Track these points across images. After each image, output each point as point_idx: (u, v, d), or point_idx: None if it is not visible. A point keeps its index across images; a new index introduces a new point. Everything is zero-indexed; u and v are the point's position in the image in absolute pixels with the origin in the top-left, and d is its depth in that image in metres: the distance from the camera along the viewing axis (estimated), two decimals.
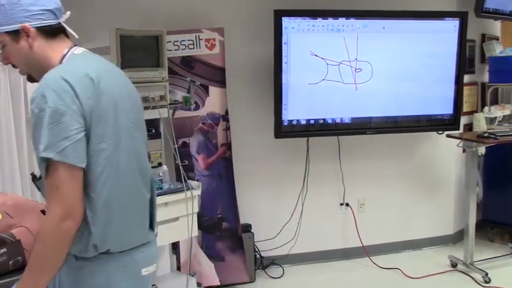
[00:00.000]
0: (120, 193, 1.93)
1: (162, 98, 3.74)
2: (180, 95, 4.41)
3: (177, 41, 4.50)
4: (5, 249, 2.43)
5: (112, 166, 1.89)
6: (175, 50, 4.48)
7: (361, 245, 5.18)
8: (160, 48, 3.79)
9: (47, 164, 1.79)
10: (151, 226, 2.16)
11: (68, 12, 2.07)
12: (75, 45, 2.05)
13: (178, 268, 4.38)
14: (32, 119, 1.82)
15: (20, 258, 2.48)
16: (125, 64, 3.56)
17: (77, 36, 2.11)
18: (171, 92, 4.00)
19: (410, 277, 4.81)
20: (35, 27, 1.94)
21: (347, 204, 5.25)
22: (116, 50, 3.55)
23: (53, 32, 1.99)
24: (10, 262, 2.45)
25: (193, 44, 4.55)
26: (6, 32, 1.94)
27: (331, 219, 5.25)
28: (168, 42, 4.04)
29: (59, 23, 2.02)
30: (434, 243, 5.55)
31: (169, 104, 3.84)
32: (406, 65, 4.86)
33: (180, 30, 4.51)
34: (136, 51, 3.71)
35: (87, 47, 3.70)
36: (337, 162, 5.09)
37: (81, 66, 1.92)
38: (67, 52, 2.00)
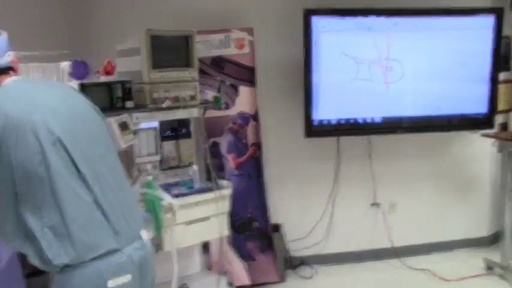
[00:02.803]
0: (59, 204, 2.01)
1: (192, 98, 3.74)
2: (210, 94, 4.40)
3: (207, 41, 4.53)
4: None
5: (38, 181, 2.00)
6: (205, 50, 4.49)
7: (391, 246, 5.13)
8: (190, 48, 3.79)
9: None
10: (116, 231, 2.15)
11: (10, 53, 2.29)
12: (10, 78, 2.24)
13: (209, 267, 4.38)
14: None
15: None
16: (156, 64, 3.58)
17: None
18: (202, 92, 4.00)
19: (442, 279, 4.73)
20: None
21: (377, 205, 5.19)
22: (146, 51, 3.56)
23: None
24: None
25: (223, 44, 4.56)
26: None
27: (361, 219, 5.20)
28: (198, 42, 4.03)
29: None
30: (468, 245, 5.45)
31: (200, 104, 3.84)
32: (438, 64, 4.78)
33: (210, 30, 4.52)
34: (167, 52, 3.71)
35: (120, 48, 3.75)
36: (367, 162, 5.05)
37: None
38: None
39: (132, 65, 3.67)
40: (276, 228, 4.79)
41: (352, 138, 4.92)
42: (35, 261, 2.04)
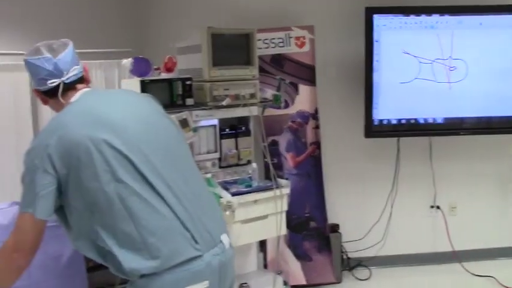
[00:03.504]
0: (133, 219, 2.03)
1: (252, 96, 3.73)
2: (269, 93, 4.41)
3: (267, 39, 4.53)
4: None
5: (110, 198, 2.02)
6: (265, 48, 4.50)
7: (452, 249, 4.99)
8: (250, 46, 3.78)
9: None
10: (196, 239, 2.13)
11: (74, 68, 2.28)
12: (77, 93, 2.27)
13: (265, 266, 4.37)
14: None
15: None
16: (216, 62, 3.59)
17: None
18: (261, 90, 4.00)
19: (506, 287, 4.60)
20: (41, 91, 2.28)
21: (438, 207, 5.08)
22: (207, 48, 3.57)
23: (54, 92, 2.25)
24: None
25: (283, 42, 4.55)
26: None
27: (420, 221, 5.11)
28: (258, 40, 4.03)
29: (61, 82, 2.24)
30: None
31: (260, 102, 3.83)
32: (503, 63, 4.63)
33: (270, 28, 4.52)
34: (227, 50, 3.72)
35: (180, 46, 3.78)
36: (428, 163, 4.95)
37: (53, 124, 2.14)
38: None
39: (192, 62, 3.69)
40: (334, 228, 4.75)
41: (412, 138, 4.82)
42: (112, 270, 2.08)
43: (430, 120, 4.69)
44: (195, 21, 4.45)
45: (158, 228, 2.04)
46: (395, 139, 4.85)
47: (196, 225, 2.12)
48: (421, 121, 4.69)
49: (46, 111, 4.06)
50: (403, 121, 4.67)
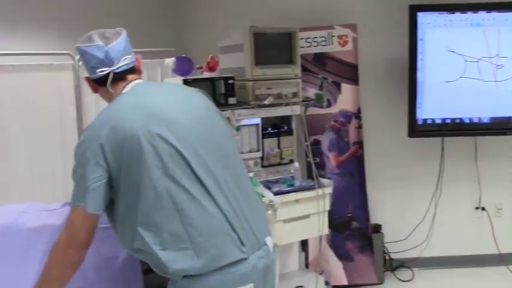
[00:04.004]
0: (181, 217, 1.99)
1: (294, 95, 3.71)
2: (312, 92, 4.40)
3: (310, 38, 4.51)
4: None
5: (159, 195, 1.98)
6: (307, 46, 4.48)
7: (497, 252, 4.90)
8: (293, 45, 3.77)
9: None
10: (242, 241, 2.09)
11: (126, 58, 2.25)
12: (130, 82, 2.24)
13: (307, 266, 4.35)
14: None
15: None
16: (258, 61, 3.58)
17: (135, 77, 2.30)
18: (304, 89, 3.98)
19: None
20: (92, 79, 2.27)
21: (483, 208, 4.99)
22: (249, 47, 3.57)
23: (104, 81, 2.23)
24: None
25: (325, 41, 4.53)
26: None
27: (465, 223, 5.01)
28: (300, 39, 4.02)
29: (111, 71, 2.22)
30: None
31: (302, 101, 3.81)
32: None
33: (313, 27, 4.50)
34: (270, 49, 3.71)
35: (222, 45, 3.79)
36: (473, 164, 4.86)
37: (105, 115, 2.11)
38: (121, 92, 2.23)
39: (234, 61, 3.70)
40: (376, 228, 4.71)
41: (457, 138, 4.75)
42: (156, 270, 2.06)
43: (476, 120, 4.61)
44: (237, 21, 4.46)
45: (206, 228, 2.00)
46: (439, 139, 4.78)
47: (243, 227, 2.09)
48: (466, 121, 4.61)
49: (90, 111, 4.14)
50: (448, 120, 4.60)
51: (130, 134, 2.00)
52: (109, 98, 2.25)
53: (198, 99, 2.31)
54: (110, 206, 2.09)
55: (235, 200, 2.10)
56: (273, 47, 3.74)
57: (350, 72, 4.57)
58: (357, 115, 4.60)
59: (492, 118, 4.60)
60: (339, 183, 4.47)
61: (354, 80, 4.59)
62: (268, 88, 3.61)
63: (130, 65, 2.27)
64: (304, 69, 4.32)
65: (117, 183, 2.03)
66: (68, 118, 4.14)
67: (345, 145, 4.59)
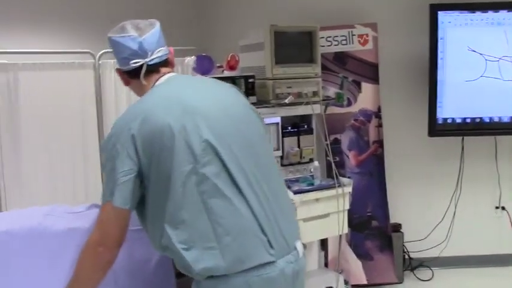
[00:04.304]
0: (210, 215, 1.92)
1: (315, 94, 3.71)
2: (332, 91, 4.40)
3: (330, 37, 4.51)
4: None
5: (189, 192, 1.92)
6: (327, 45, 4.49)
7: None
8: (313, 44, 3.77)
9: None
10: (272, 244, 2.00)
11: (160, 50, 2.20)
12: (164, 75, 2.20)
13: (326, 265, 4.36)
14: None
15: None
16: (279, 60, 3.59)
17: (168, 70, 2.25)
18: (324, 88, 3.98)
19: None
20: (124, 71, 2.23)
21: (503, 208, 4.97)
22: (270, 46, 3.57)
23: (136, 73, 2.18)
24: None
25: (346, 40, 4.53)
26: None
27: (485, 222, 5.00)
28: (321, 38, 4.02)
29: (144, 63, 2.17)
30: None
31: (322, 100, 3.82)
32: None
33: (333, 25, 4.50)
34: (290, 47, 3.71)
35: (242, 44, 3.80)
36: (493, 163, 4.84)
37: (138, 107, 2.07)
38: (153, 85, 2.19)
39: (254, 60, 3.70)
40: (396, 227, 4.70)
41: (478, 137, 4.74)
42: (180, 269, 2.00)
43: (496, 119, 4.60)
44: (258, 19, 4.47)
45: (235, 227, 1.92)
46: (459, 138, 4.77)
47: (273, 229, 2.00)
48: (487, 120, 4.59)
49: (110, 109, 4.17)
50: (468, 120, 4.59)
51: (162, 126, 1.93)
52: (140, 91, 2.20)
53: (233, 95, 2.24)
54: (141, 204, 2.04)
55: (266, 200, 2.01)
56: (293, 45, 3.74)
57: (370, 71, 4.57)
58: (377, 114, 4.60)
59: None
60: (358, 182, 4.46)
61: (374, 79, 4.58)
62: (288, 87, 3.61)
63: (164, 58, 2.21)
64: (325, 68, 4.32)
65: (147, 178, 1.97)
66: (89, 116, 4.18)
67: (364, 144, 4.59)
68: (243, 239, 1.93)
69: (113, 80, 4.18)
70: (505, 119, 4.58)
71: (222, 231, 1.91)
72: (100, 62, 4.11)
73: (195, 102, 2.04)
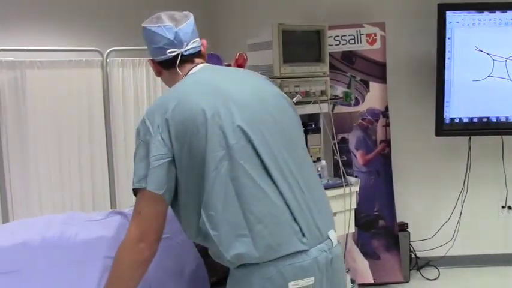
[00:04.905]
0: (241, 202, 1.90)
1: (322, 93, 3.71)
2: (340, 90, 4.40)
3: (338, 36, 4.51)
4: None
5: (220, 178, 1.89)
6: (335, 45, 4.49)
7: None
8: (321, 43, 3.77)
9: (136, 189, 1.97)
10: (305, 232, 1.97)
11: (195, 41, 2.22)
12: (197, 65, 2.20)
13: None
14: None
15: None
16: (287, 59, 3.59)
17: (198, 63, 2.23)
18: (331, 87, 3.98)
19: None
20: (157, 62, 2.22)
21: (509, 207, 4.97)
22: (278, 45, 3.57)
23: (171, 64, 2.19)
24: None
25: (354, 39, 4.52)
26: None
27: (492, 222, 5.00)
28: (329, 37, 4.02)
29: (180, 53, 2.17)
30: None
31: (330, 99, 3.81)
32: None
33: (341, 25, 4.50)
34: (298, 46, 3.71)
35: (250, 42, 3.80)
36: (500, 163, 4.84)
37: (172, 92, 2.07)
38: (186, 75, 2.18)
39: (262, 59, 3.70)
40: (403, 227, 4.70)
41: (485, 137, 4.74)
42: (214, 257, 1.98)
43: (503, 119, 4.59)
44: (266, 18, 4.48)
45: (267, 215, 1.89)
46: (466, 138, 4.77)
47: (306, 217, 1.96)
48: (494, 120, 4.59)
49: (118, 107, 4.18)
50: (475, 120, 4.59)
51: (196, 111, 1.93)
52: (172, 81, 2.20)
53: (266, 84, 2.23)
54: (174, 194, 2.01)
55: (298, 190, 1.98)
56: (301, 44, 3.74)
57: (378, 71, 4.57)
58: (385, 113, 4.59)
59: None
60: (365, 182, 4.48)
61: (382, 78, 4.58)
62: (296, 86, 3.61)
63: (198, 49, 2.23)
64: (333, 67, 4.33)
65: (179, 162, 1.94)
66: (96, 114, 4.18)
67: (372, 143, 4.59)
68: (275, 227, 1.91)
69: (120, 78, 4.20)
70: None
71: (253, 219, 1.89)
72: (108, 60, 4.12)
73: (228, 88, 2.03)
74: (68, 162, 4.11)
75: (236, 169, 1.90)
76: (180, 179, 1.96)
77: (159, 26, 2.16)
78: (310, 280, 1.92)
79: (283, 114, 2.12)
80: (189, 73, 2.16)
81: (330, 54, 4.10)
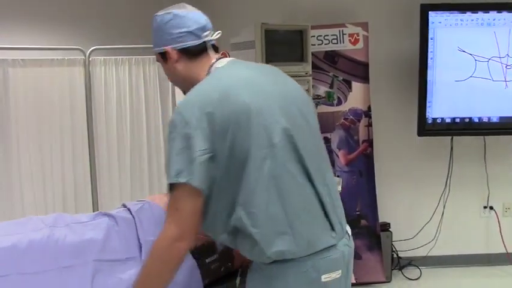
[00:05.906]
0: (282, 200, 1.90)
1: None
2: (322, 89, 4.41)
3: (321, 36, 4.50)
4: (217, 256, 2.42)
5: (263, 176, 1.88)
6: (318, 44, 4.48)
7: (505, 251, 4.91)
8: (304, 42, 3.79)
9: (171, 184, 1.89)
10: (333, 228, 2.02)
11: (219, 32, 2.15)
12: (220, 58, 2.12)
13: None
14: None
15: (230, 264, 2.47)
16: (269, 58, 3.60)
17: (218, 53, 2.16)
18: (314, 87, 3.99)
19: None
20: (178, 49, 2.08)
21: (491, 208, 4.99)
22: (260, 44, 3.58)
23: (196, 51, 2.09)
24: (222, 268, 2.44)
25: (336, 39, 4.52)
26: (159, 53, 2.14)
27: (473, 222, 5.03)
28: (311, 36, 4.02)
29: (203, 42, 2.09)
30: None
31: (313, 99, 3.82)
32: None
33: (324, 24, 4.50)
34: (281, 46, 3.73)
35: (233, 42, 3.80)
36: (482, 163, 4.86)
37: (213, 84, 1.98)
38: (210, 67, 2.09)
39: (245, 58, 3.64)
40: (385, 227, 4.72)
41: (467, 137, 4.76)
42: (246, 254, 1.97)
43: (485, 119, 4.61)
44: (249, 18, 4.47)
45: (304, 211, 1.92)
46: (448, 138, 4.78)
47: (335, 213, 2.03)
48: (476, 120, 4.61)
49: (100, 106, 4.17)
50: (457, 120, 4.60)
51: (241, 106, 1.89)
52: (189, 71, 2.10)
53: (295, 83, 2.19)
54: None
55: (326, 187, 2.02)
56: (284, 44, 3.76)
57: (361, 71, 4.58)
58: (367, 113, 4.60)
59: (501, 118, 4.60)
60: (348, 181, 4.49)
61: (365, 78, 4.59)
62: None
63: (213, 42, 2.16)
64: (315, 67, 4.33)
65: (219, 159, 1.88)
66: (78, 113, 4.17)
67: (354, 143, 4.59)
68: (312, 224, 1.95)
69: (102, 77, 4.18)
70: (494, 119, 4.60)
71: (293, 216, 1.90)
72: (90, 58, 4.10)
73: (267, 86, 2.02)
74: (50, 160, 4.09)
75: (279, 167, 1.90)
76: (215, 175, 1.90)
77: (189, 12, 2.10)
78: (338, 273, 1.98)
79: (310, 112, 2.13)
80: (214, 65, 2.08)
81: (313, 54, 4.11)
